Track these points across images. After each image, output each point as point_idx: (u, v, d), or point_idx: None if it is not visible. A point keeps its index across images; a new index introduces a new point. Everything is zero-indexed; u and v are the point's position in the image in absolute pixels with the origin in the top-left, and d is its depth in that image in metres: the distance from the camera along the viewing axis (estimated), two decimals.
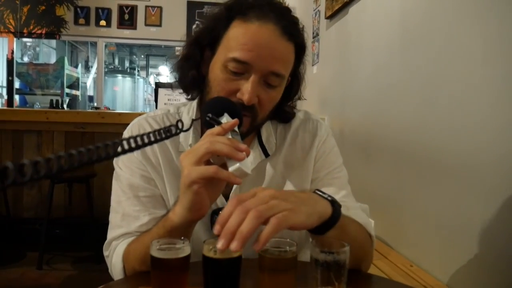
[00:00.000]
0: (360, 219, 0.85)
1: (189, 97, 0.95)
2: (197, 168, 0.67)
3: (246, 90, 0.78)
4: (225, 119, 0.75)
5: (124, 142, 0.42)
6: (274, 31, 0.79)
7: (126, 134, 0.93)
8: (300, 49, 0.86)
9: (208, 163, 0.69)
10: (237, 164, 0.67)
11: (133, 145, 0.43)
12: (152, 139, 0.47)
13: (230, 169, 0.68)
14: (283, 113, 0.95)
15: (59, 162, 0.31)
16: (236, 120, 0.73)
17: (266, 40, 0.79)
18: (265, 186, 0.92)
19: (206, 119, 0.73)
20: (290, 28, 0.82)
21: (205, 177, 0.66)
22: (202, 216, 0.73)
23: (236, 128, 0.74)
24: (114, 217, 0.89)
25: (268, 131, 0.95)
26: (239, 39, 0.79)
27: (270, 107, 0.85)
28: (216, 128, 0.71)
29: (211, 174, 0.66)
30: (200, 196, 0.69)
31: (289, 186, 0.94)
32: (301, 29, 0.86)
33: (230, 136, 0.72)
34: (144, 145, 0.45)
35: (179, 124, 0.54)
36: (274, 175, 0.93)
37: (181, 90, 0.94)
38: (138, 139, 0.44)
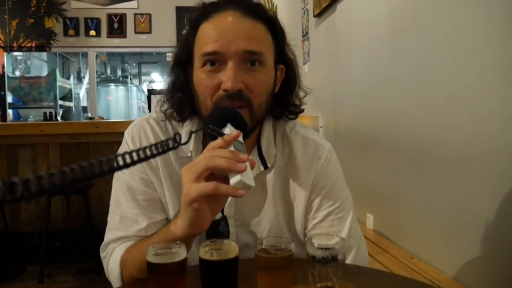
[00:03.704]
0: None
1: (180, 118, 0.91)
2: (196, 186, 0.66)
3: (226, 77, 0.78)
4: (228, 129, 0.72)
5: (127, 156, 0.41)
6: (235, 15, 0.80)
7: (127, 135, 0.92)
8: (273, 27, 0.85)
9: (210, 176, 0.68)
10: (238, 177, 0.65)
11: (128, 160, 0.41)
12: (149, 153, 0.45)
13: (232, 181, 0.66)
14: (289, 106, 0.93)
15: (64, 176, 0.31)
16: (238, 132, 0.71)
17: (228, 25, 0.80)
18: (266, 199, 0.90)
19: (207, 130, 0.70)
20: (251, 8, 0.82)
21: (204, 194, 0.65)
22: (203, 230, 0.72)
23: (240, 138, 0.71)
24: (112, 218, 0.88)
25: (269, 140, 0.91)
26: (205, 36, 0.81)
27: (263, 92, 0.82)
28: (218, 141, 0.69)
29: (209, 191, 0.65)
30: (200, 213, 0.68)
31: (284, 203, 0.92)
32: (266, 8, 0.86)
33: (232, 148, 0.69)
34: (141, 160, 0.44)
35: (177, 137, 0.53)
36: (273, 189, 0.91)
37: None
38: (134, 154, 0.43)
